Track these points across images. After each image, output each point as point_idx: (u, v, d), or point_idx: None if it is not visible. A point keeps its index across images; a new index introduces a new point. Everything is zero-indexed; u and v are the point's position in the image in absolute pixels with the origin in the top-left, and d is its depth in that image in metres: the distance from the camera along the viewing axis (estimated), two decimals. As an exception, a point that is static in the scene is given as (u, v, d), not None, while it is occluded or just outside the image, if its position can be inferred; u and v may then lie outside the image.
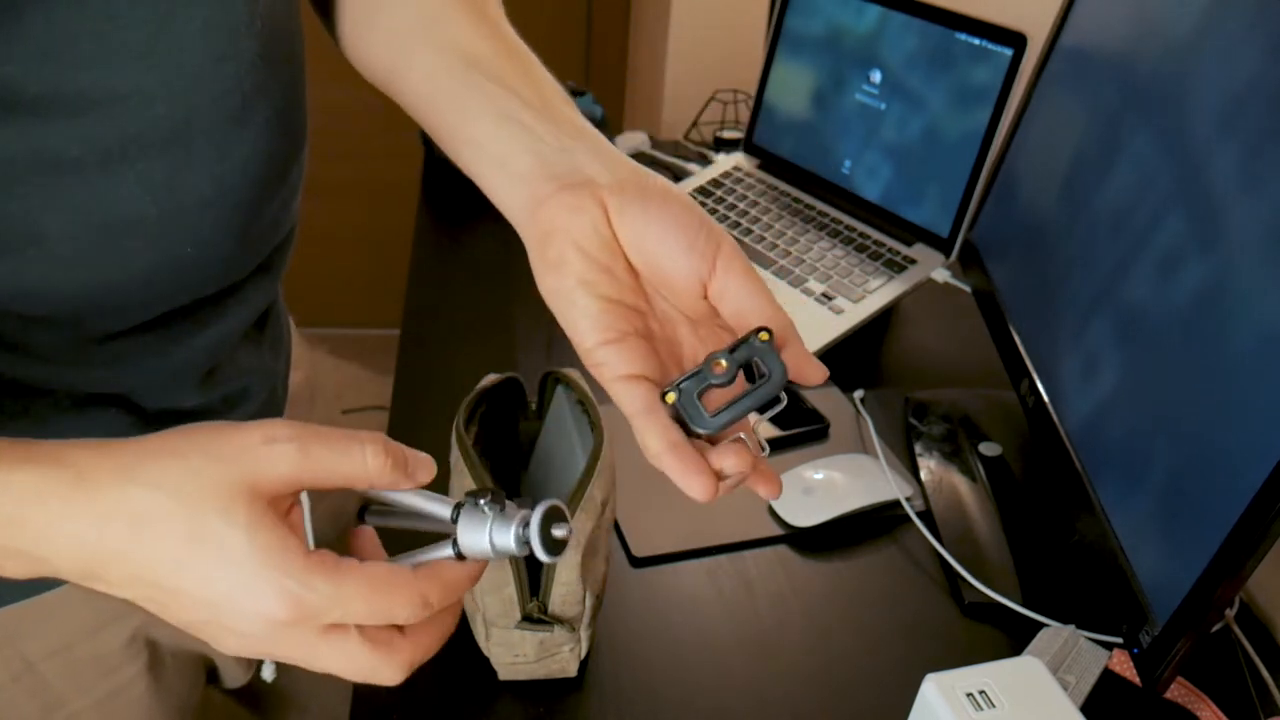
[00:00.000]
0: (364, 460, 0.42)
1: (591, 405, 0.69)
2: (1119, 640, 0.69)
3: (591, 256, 0.47)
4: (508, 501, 0.44)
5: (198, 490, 0.39)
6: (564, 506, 0.45)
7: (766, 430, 0.90)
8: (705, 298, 0.47)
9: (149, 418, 0.59)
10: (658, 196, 0.47)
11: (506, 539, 0.43)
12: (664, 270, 0.47)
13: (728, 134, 1.45)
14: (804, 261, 1.08)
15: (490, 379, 0.75)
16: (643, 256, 0.47)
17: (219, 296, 0.60)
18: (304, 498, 0.42)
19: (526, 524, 0.44)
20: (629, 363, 0.46)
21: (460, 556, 0.44)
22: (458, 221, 1.24)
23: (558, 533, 0.45)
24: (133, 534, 0.39)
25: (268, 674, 0.74)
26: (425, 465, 0.44)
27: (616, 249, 0.47)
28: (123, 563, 0.40)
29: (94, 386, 0.56)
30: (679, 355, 0.49)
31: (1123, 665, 0.68)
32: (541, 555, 0.44)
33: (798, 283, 1.06)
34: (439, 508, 0.44)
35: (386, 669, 0.43)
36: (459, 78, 0.54)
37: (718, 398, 0.45)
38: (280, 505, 0.41)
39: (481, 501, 0.44)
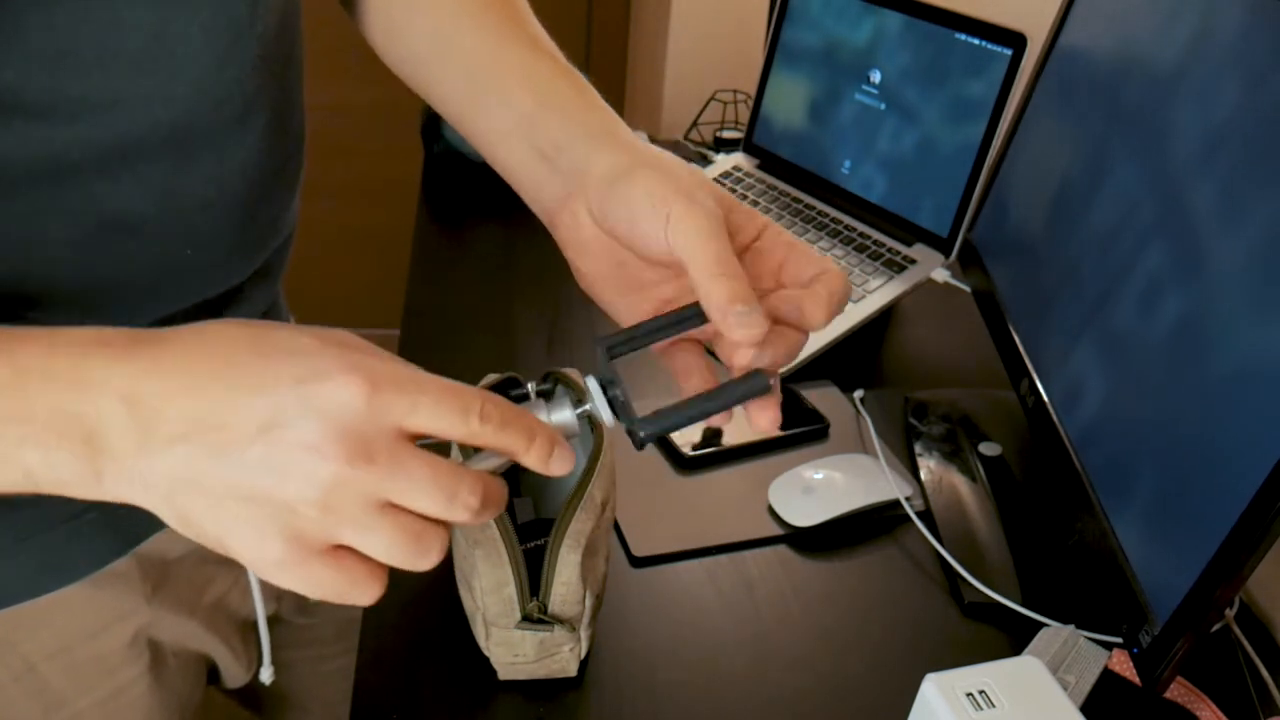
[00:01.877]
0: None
1: (591, 405, 0.69)
2: (1119, 640, 0.69)
3: (604, 257, 0.50)
4: (552, 388, 0.46)
5: (267, 329, 0.39)
6: (607, 379, 0.46)
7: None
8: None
9: None
10: (623, 182, 0.47)
11: (565, 414, 0.45)
12: (645, 253, 0.47)
13: (728, 134, 1.45)
14: (804, 261, 1.08)
15: (490, 378, 0.75)
16: (630, 247, 0.48)
17: (219, 299, 0.60)
18: None
19: (579, 401, 0.46)
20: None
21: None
22: (458, 221, 1.24)
23: (614, 393, 0.46)
24: (196, 348, 0.38)
25: (266, 676, 0.74)
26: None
27: (616, 247, 0.49)
28: (183, 399, 0.37)
29: None
30: None
31: (1122, 665, 0.68)
32: (608, 418, 0.46)
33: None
34: None
35: (436, 546, 0.40)
36: (471, 88, 0.56)
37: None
38: None
39: (531, 387, 0.45)
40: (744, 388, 0.46)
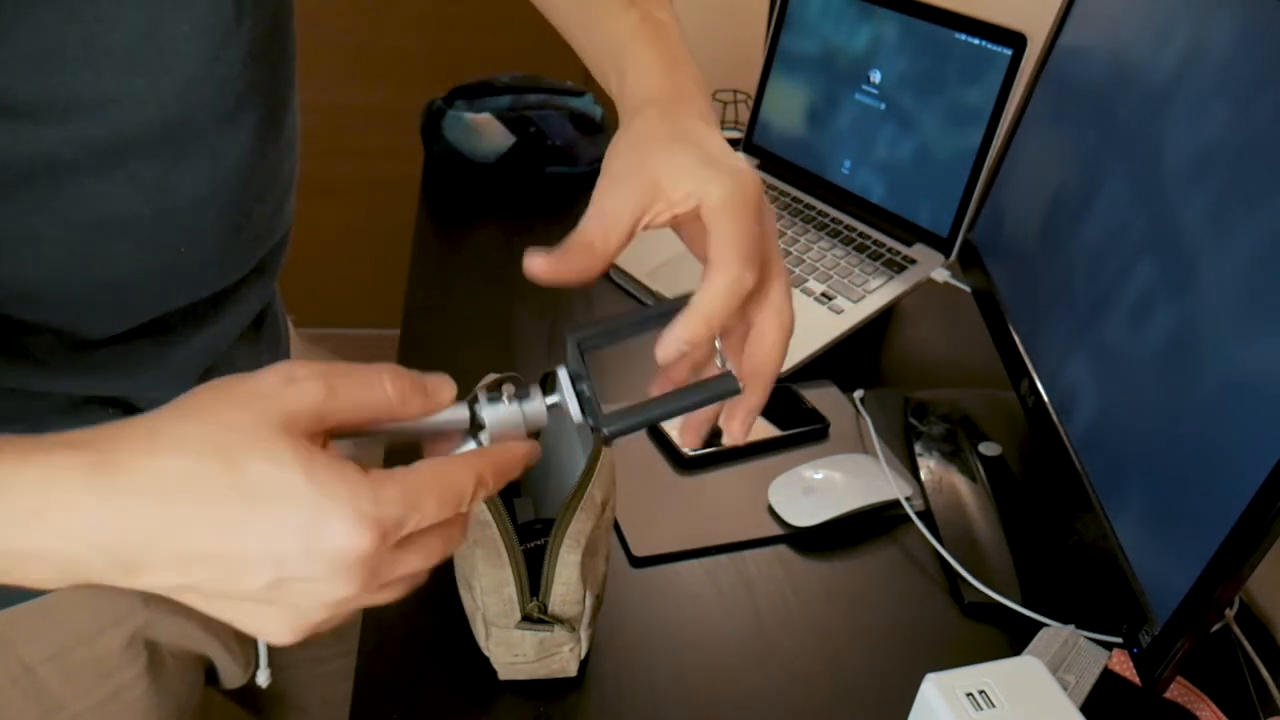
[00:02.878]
0: (384, 388, 0.40)
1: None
2: (1119, 640, 0.69)
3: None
4: (512, 384, 0.45)
5: (233, 443, 0.36)
6: (577, 373, 0.46)
7: (766, 430, 0.90)
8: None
9: None
10: (652, 140, 0.48)
11: (535, 404, 0.45)
12: (671, 199, 0.48)
13: (728, 134, 1.44)
14: (804, 261, 1.08)
15: (490, 379, 0.75)
16: (657, 182, 0.48)
17: (215, 298, 0.60)
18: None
19: (551, 389, 0.45)
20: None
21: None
22: (458, 221, 1.24)
23: (581, 388, 0.45)
24: (166, 507, 0.35)
25: (262, 679, 0.74)
26: (444, 384, 0.43)
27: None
28: (163, 542, 0.36)
29: (90, 389, 0.56)
30: None
31: (1122, 665, 0.68)
32: (575, 413, 0.45)
33: (798, 283, 1.06)
34: (454, 414, 0.44)
35: (456, 537, 0.42)
36: (579, 12, 0.57)
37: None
38: (316, 441, 0.38)
39: (501, 390, 0.45)
40: (713, 389, 0.46)
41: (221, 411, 0.37)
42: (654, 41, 0.54)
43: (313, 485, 0.36)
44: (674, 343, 0.45)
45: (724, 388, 0.46)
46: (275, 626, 0.39)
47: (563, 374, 0.45)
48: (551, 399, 0.45)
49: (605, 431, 0.45)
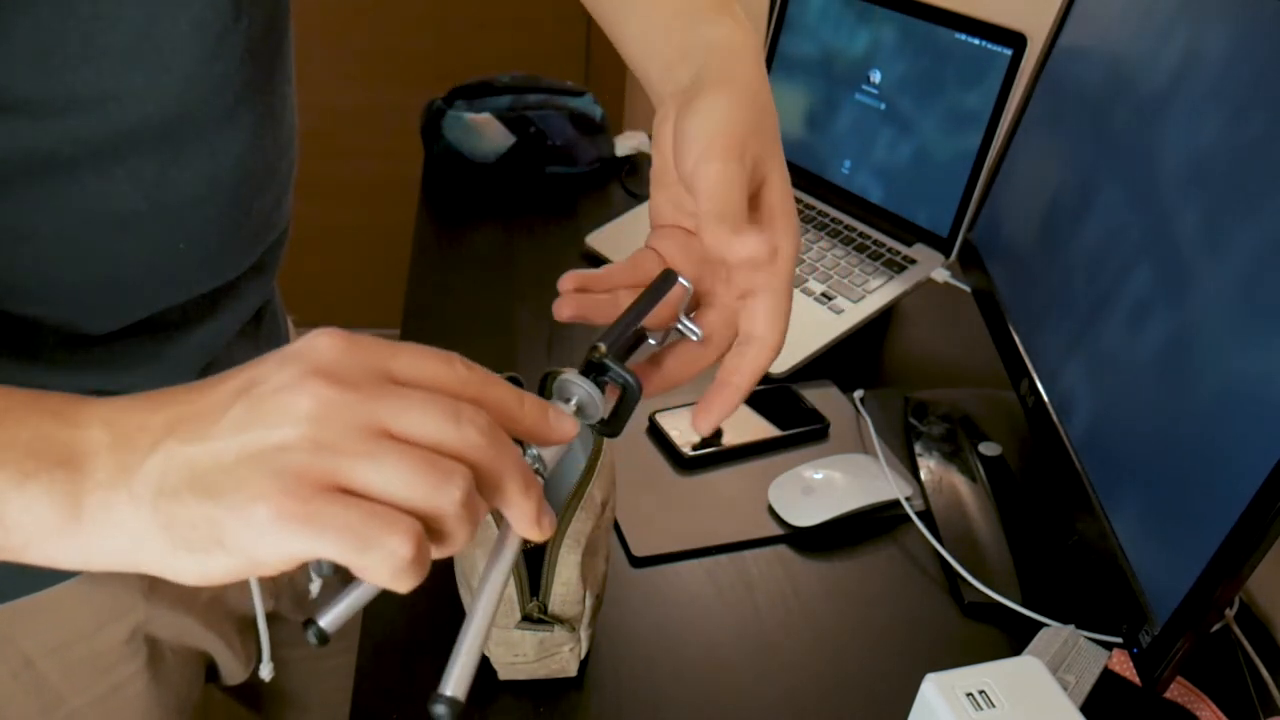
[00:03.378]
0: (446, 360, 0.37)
1: (591, 405, 0.69)
2: (1119, 640, 0.69)
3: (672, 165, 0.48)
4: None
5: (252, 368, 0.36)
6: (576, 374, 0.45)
7: (766, 430, 0.89)
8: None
9: None
10: (705, 101, 0.46)
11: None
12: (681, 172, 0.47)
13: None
14: (804, 261, 1.08)
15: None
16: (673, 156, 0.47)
17: (214, 294, 0.60)
18: None
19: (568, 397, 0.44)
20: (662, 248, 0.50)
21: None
22: (458, 221, 1.24)
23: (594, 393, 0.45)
24: (181, 390, 0.36)
25: (265, 673, 0.74)
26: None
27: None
28: (160, 408, 0.36)
29: (89, 384, 0.56)
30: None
31: (1122, 665, 0.68)
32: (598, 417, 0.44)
33: (798, 283, 1.06)
34: None
35: (457, 475, 0.34)
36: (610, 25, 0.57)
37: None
38: None
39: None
40: (657, 289, 0.47)
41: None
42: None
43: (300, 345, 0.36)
44: (721, 245, 0.43)
45: (666, 282, 0.47)
46: (259, 487, 0.33)
47: (578, 378, 0.44)
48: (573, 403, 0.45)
49: (608, 432, 0.45)
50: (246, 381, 0.35)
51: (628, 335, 0.46)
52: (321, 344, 0.35)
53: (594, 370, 0.45)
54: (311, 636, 0.38)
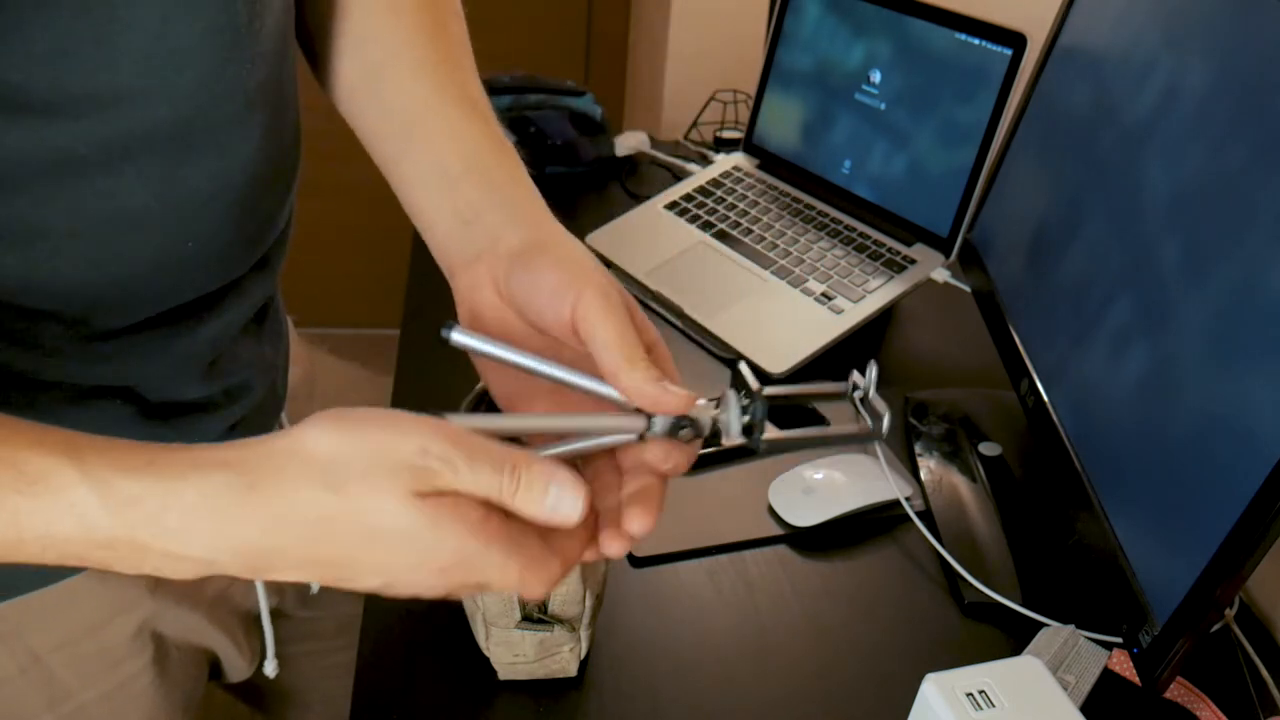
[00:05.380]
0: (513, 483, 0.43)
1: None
2: (1119, 640, 0.69)
3: (495, 323, 0.52)
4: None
5: (361, 488, 0.40)
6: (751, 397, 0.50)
7: (766, 430, 0.89)
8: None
9: (152, 410, 0.59)
10: (532, 259, 0.50)
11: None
12: (541, 325, 0.50)
13: (728, 134, 1.45)
14: (804, 261, 1.08)
15: (482, 387, 0.75)
16: (524, 315, 0.51)
17: (220, 292, 0.60)
18: None
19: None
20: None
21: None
22: (458, 221, 1.23)
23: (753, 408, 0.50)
24: (308, 534, 0.41)
25: (270, 669, 0.74)
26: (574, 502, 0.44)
27: (509, 312, 0.52)
28: (297, 555, 0.41)
29: (98, 379, 0.56)
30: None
31: (1122, 665, 0.68)
32: (737, 431, 0.50)
33: (798, 283, 1.06)
34: (631, 422, 0.48)
35: (546, 570, 0.44)
36: (401, 134, 0.59)
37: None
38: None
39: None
40: (855, 434, 0.54)
41: (364, 463, 0.41)
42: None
43: (430, 524, 0.41)
44: (653, 391, 0.47)
45: (869, 434, 0.52)
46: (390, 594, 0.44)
47: (732, 394, 0.50)
48: (721, 412, 0.50)
49: (762, 447, 0.50)
50: (386, 576, 0.43)
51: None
52: (447, 549, 0.41)
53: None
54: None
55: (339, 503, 0.40)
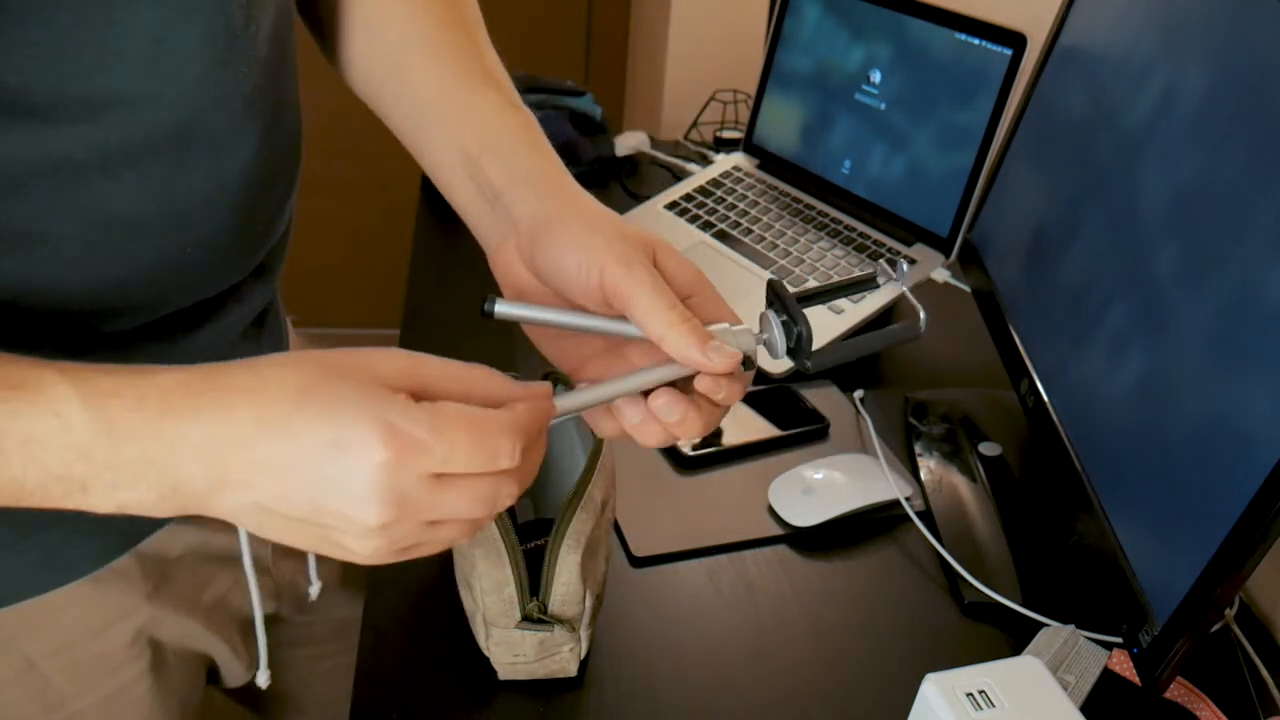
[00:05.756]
0: (476, 372, 0.44)
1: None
2: (1119, 640, 0.69)
3: (540, 299, 0.53)
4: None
5: (314, 362, 0.42)
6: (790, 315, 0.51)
7: (766, 430, 0.89)
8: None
9: None
10: (549, 232, 0.50)
11: (748, 341, 0.49)
12: (573, 299, 0.50)
13: (728, 134, 1.45)
14: (804, 261, 1.08)
15: (490, 379, 0.75)
16: (560, 294, 0.51)
17: (219, 297, 0.60)
18: None
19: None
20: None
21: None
22: (458, 221, 1.23)
23: (799, 330, 0.50)
24: (253, 404, 0.41)
25: (262, 680, 0.74)
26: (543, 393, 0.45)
27: (548, 290, 0.52)
28: (247, 446, 0.41)
29: None
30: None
31: (1122, 665, 0.68)
32: (782, 348, 0.50)
33: (798, 283, 1.06)
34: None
35: (506, 488, 0.43)
36: (421, 118, 0.59)
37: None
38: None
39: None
40: (896, 336, 0.53)
41: (324, 351, 0.42)
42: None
43: (355, 396, 0.40)
44: (703, 354, 0.47)
45: (909, 333, 0.52)
46: (342, 553, 0.43)
47: (771, 314, 0.51)
48: (763, 335, 0.50)
49: (809, 365, 0.49)
50: (315, 496, 0.41)
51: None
52: (368, 455, 0.40)
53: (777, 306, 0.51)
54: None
55: (290, 375, 0.41)
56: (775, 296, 0.51)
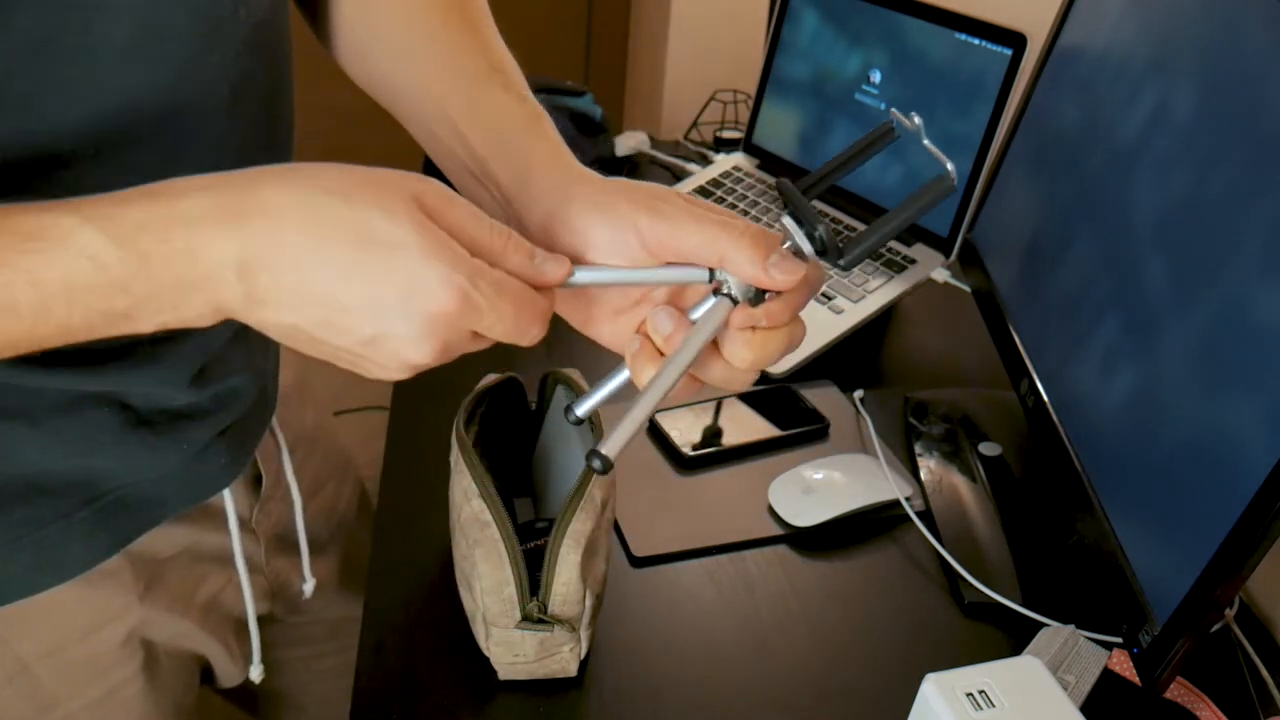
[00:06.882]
0: (493, 229, 0.45)
1: (591, 405, 0.69)
2: (1119, 640, 0.69)
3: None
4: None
5: (362, 193, 0.42)
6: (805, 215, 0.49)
7: (766, 430, 0.89)
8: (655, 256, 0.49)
9: (140, 417, 0.59)
10: (575, 206, 0.49)
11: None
12: (609, 258, 0.49)
13: (728, 134, 1.45)
14: (804, 261, 1.08)
15: (490, 379, 0.75)
16: (585, 257, 0.50)
17: None
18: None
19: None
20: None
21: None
22: (458, 221, 1.23)
23: (818, 231, 0.48)
24: (304, 237, 0.41)
25: (255, 675, 0.74)
26: (560, 264, 0.46)
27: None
28: (293, 273, 0.41)
29: (86, 385, 0.56)
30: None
31: (1122, 665, 0.68)
32: (808, 248, 0.48)
33: (798, 283, 1.06)
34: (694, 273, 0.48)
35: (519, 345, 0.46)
36: (425, 116, 0.58)
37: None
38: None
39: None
40: (932, 191, 0.50)
41: (362, 172, 0.43)
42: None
43: (422, 243, 0.41)
44: (769, 266, 0.47)
45: (942, 187, 0.51)
46: (380, 362, 0.44)
47: (788, 220, 0.49)
48: (787, 244, 0.48)
49: (843, 263, 0.49)
50: (374, 332, 0.42)
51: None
52: (438, 310, 0.42)
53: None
54: (595, 462, 0.46)
55: (341, 206, 0.41)
56: (787, 199, 0.50)
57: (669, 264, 0.48)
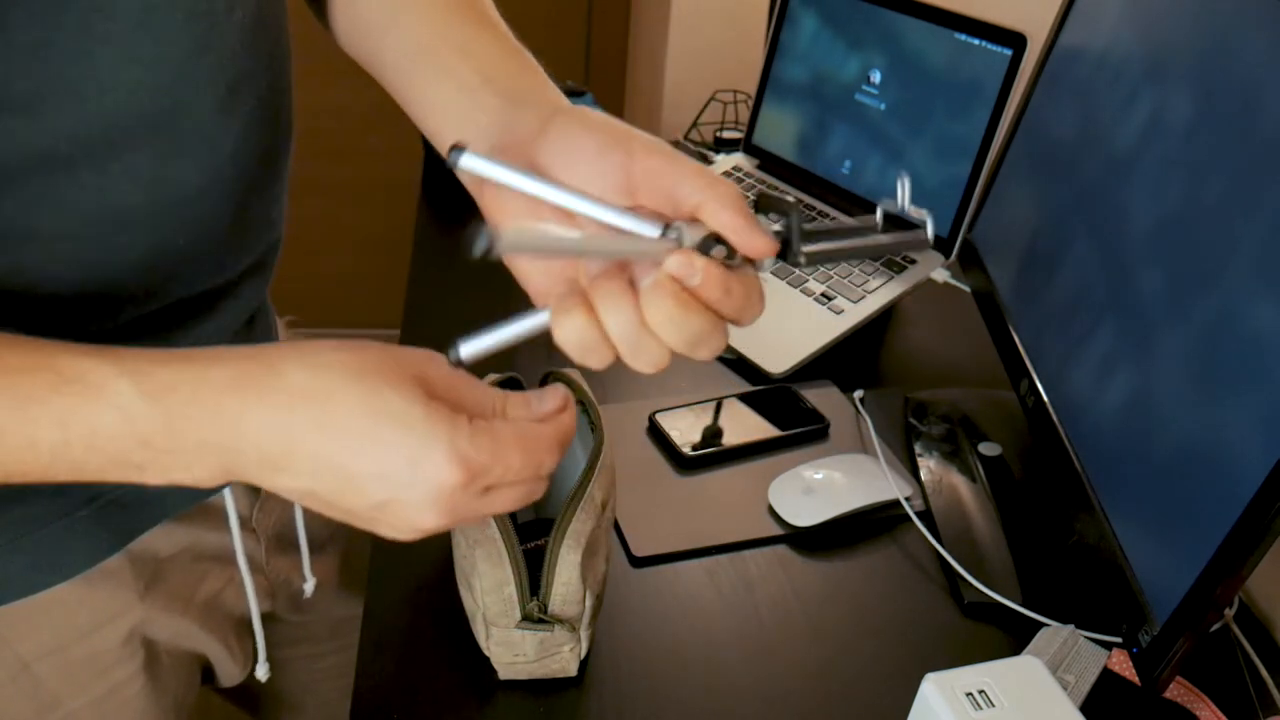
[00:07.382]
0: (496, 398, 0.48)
1: (592, 405, 0.69)
2: (1118, 640, 0.69)
3: (524, 215, 0.49)
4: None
5: (375, 372, 0.44)
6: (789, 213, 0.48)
7: (766, 430, 0.89)
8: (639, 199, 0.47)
9: None
10: (572, 114, 0.48)
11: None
12: (583, 180, 0.46)
13: (728, 134, 1.45)
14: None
15: (491, 379, 0.75)
16: (563, 176, 0.47)
17: (211, 294, 0.60)
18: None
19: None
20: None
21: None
22: (458, 221, 1.24)
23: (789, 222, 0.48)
24: (320, 412, 0.43)
25: (261, 673, 0.74)
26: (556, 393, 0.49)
27: (537, 205, 0.48)
28: (309, 444, 0.44)
29: None
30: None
31: (1122, 665, 0.68)
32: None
33: (797, 282, 1.06)
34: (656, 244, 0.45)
35: (538, 486, 0.49)
36: (420, 61, 0.58)
37: None
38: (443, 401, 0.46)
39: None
40: (901, 240, 0.49)
41: (373, 353, 0.45)
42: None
43: (427, 416, 0.44)
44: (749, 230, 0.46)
45: (914, 239, 0.49)
46: (397, 527, 0.47)
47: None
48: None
49: (802, 260, 0.48)
50: (384, 498, 0.45)
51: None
52: (446, 485, 0.44)
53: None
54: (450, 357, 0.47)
55: (354, 383, 0.44)
56: (768, 199, 0.49)
57: (627, 210, 0.45)
